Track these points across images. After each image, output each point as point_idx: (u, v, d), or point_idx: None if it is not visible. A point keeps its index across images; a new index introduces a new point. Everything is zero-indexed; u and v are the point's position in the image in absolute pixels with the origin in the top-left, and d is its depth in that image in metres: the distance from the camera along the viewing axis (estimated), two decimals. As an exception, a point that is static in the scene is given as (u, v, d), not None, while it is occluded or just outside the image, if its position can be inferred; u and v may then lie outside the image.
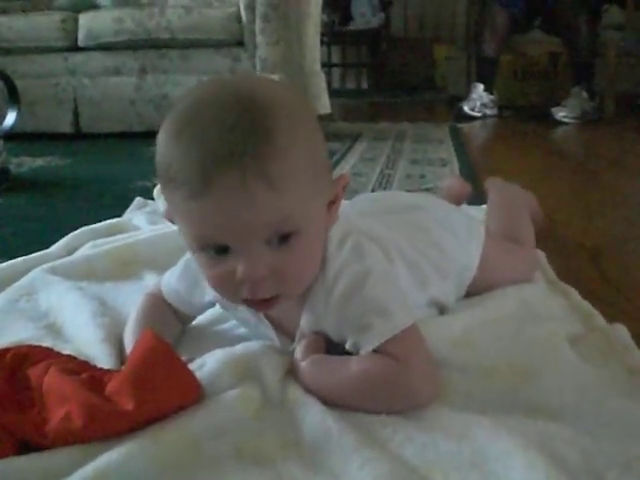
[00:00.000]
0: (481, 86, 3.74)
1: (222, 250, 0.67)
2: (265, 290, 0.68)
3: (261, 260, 0.66)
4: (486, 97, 3.73)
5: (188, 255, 0.83)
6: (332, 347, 0.75)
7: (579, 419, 0.67)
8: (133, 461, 0.59)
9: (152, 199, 1.63)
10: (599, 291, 1.08)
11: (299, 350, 0.75)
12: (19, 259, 1.15)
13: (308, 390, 0.70)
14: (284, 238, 0.66)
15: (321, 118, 2.89)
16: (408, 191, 1.71)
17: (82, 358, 0.76)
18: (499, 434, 0.62)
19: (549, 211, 1.30)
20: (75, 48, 3.11)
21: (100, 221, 1.40)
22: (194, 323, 0.91)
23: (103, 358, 0.79)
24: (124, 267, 1.13)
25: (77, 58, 3.12)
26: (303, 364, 0.73)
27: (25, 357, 0.71)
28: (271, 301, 0.70)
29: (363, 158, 2.51)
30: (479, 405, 0.70)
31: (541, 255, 1.17)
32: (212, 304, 0.86)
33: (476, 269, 0.97)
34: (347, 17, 5.64)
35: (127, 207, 1.62)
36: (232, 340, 0.81)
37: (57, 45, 3.10)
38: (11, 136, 2.33)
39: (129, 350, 0.76)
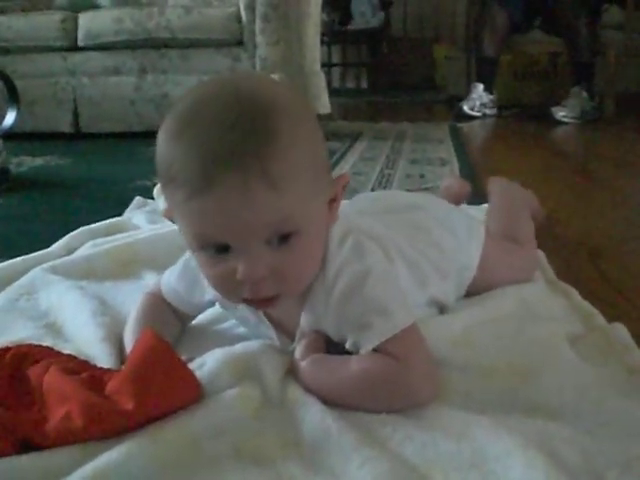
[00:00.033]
0: (481, 86, 3.74)
1: (222, 249, 0.67)
2: (266, 290, 0.68)
3: (261, 260, 0.66)
4: (486, 97, 3.73)
5: (188, 254, 0.83)
6: (332, 346, 0.75)
7: (579, 418, 0.67)
8: (133, 460, 0.59)
9: (152, 198, 1.63)
10: (599, 291, 1.08)
11: (299, 349, 0.75)
12: (19, 258, 1.15)
13: (308, 389, 0.71)
14: (284, 238, 0.66)
15: (321, 117, 2.89)
16: (408, 190, 1.71)
17: (82, 357, 0.76)
18: (499, 433, 0.62)
19: (549, 211, 1.30)
20: (75, 48, 3.11)
21: (100, 220, 1.40)
22: (194, 322, 0.91)
23: (103, 357, 0.79)
24: (124, 266, 1.13)
25: (77, 58, 3.11)
26: (303, 363, 0.73)
27: (25, 356, 0.71)
28: (271, 300, 0.70)
29: (363, 157, 2.51)
30: (479, 404, 0.70)
31: (541, 255, 1.17)
32: (212, 303, 0.86)
33: (476, 269, 0.97)
34: (347, 17, 5.63)
35: (127, 206, 1.62)
36: (232, 339, 0.81)
37: (57, 45, 3.10)
38: (11, 136, 2.33)
39: (129, 349, 0.76)
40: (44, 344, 0.78)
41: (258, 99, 0.65)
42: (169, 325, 0.86)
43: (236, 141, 0.62)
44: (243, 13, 2.90)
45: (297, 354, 0.75)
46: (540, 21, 3.76)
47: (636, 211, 1.76)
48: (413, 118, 3.75)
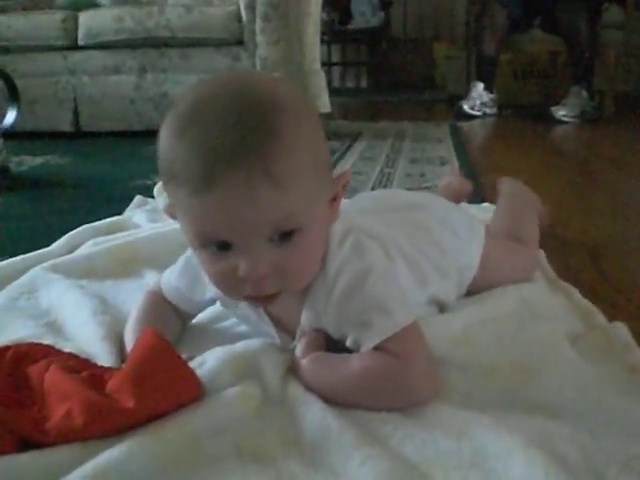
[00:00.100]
0: (481, 85, 3.74)
1: (224, 247, 0.67)
2: (267, 287, 0.69)
3: (263, 258, 0.66)
4: (486, 96, 3.73)
5: (188, 253, 0.83)
6: (332, 344, 0.75)
7: (579, 417, 0.67)
8: (133, 459, 0.59)
9: (152, 197, 1.63)
10: (599, 290, 1.08)
11: (299, 348, 0.75)
12: (19, 257, 1.16)
13: (308, 388, 0.71)
14: (286, 235, 0.66)
15: (321, 117, 2.88)
16: (408, 189, 1.71)
17: (83, 356, 0.76)
18: (499, 432, 0.62)
19: (549, 210, 1.30)
20: (75, 47, 3.10)
21: (100, 219, 1.40)
22: (194, 321, 0.91)
23: (104, 356, 0.79)
24: (124, 265, 1.13)
25: (77, 57, 3.11)
26: (304, 362, 0.73)
27: (26, 355, 0.71)
28: (272, 297, 0.70)
29: (363, 157, 2.51)
30: (479, 403, 0.70)
31: (541, 254, 1.17)
32: (212, 301, 0.86)
33: (477, 268, 0.97)
34: (347, 16, 5.63)
35: (127, 205, 1.62)
36: (232, 338, 0.81)
37: (57, 44, 3.10)
38: (11, 135, 2.33)
39: (130, 348, 0.76)
40: (44, 343, 0.78)
41: (261, 97, 0.65)
42: (170, 324, 0.86)
43: (239, 139, 0.62)
44: (243, 12, 2.90)
45: (298, 352, 0.75)
46: (540, 20, 3.76)
47: (636, 211, 1.76)
48: (413, 117, 3.75)
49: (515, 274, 1.03)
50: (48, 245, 1.25)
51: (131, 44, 3.04)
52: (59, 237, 1.28)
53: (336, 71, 6.07)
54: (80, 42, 3.09)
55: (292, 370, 0.74)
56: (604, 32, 3.68)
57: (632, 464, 0.59)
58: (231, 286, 0.70)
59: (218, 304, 0.86)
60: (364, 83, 6.17)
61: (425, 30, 5.94)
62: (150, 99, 3.05)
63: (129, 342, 0.81)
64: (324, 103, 3.14)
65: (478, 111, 3.72)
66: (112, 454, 0.58)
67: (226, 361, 0.72)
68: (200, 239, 0.68)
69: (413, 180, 2.05)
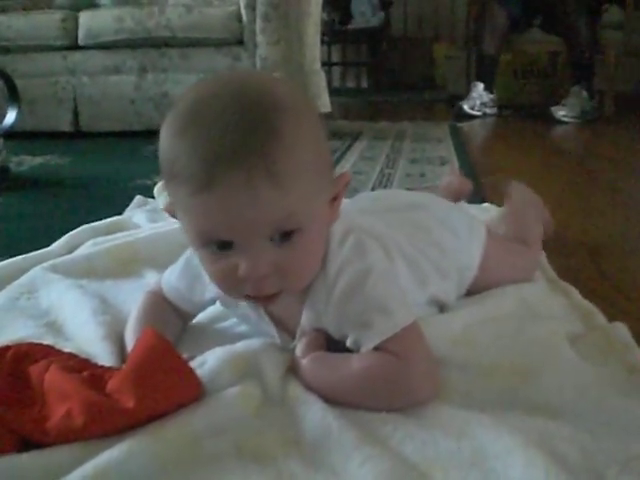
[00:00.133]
0: (481, 85, 3.74)
1: (225, 246, 0.67)
2: (268, 287, 0.69)
3: (264, 257, 0.66)
4: (486, 96, 3.73)
5: (188, 252, 0.83)
6: (333, 344, 0.75)
7: (579, 417, 0.67)
8: (133, 459, 0.59)
9: (152, 197, 1.63)
10: (599, 290, 1.08)
11: (300, 347, 0.75)
12: (19, 257, 1.16)
13: (309, 387, 0.71)
14: (287, 235, 0.66)
15: (321, 117, 2.88)
16: (408, 189, 1.71)
17: (83, 356, 0.76)
18: (499, 432, 0.62)
19: (548, 210, 1.30)
20: (75, 47, 3.11)
21: (100, 219, 1.40)
22: (195, 321, 0.91)
23: (104, 356, 0.79)
24: (124, 265, 1.13)
25: (77, 57, 3.11)
26: (304, 361, 0.73)
27: (26, 355, 0.71)
28: (273, 296, 0.70)
29: (363, 157, 2.51)
30: (479, 403, 0.70)
31: (541, 254, 1.17)
32: (213, 301, 0.86)
33: (477, 268, 0.97)
34: (347, 16, 5.63)
35: (127, 205, 1.62)
36: (232, 338, 0.81)
37: (57, 44, 3.10)
38: (11, 135, 2.33)
39: (130, 348, 0.76)
40: (45, 343, 0.78)
41: (261, 97, 0.65)
42: (170, 324, 0.86)
43: (239, 139, 0.62)
44: (243, 12, 2.90)
45: (298, 352, 0.75)
46: (540, 20, 3.76)
47: (636, 210, 1.76)
48: (413, 117, 3.75)
49: (515, 274, 1.03)
50: (48, 245, 1.25)
51: (131, 44, 3.04)
52: (59, 237, 1.28)
53: (336, 71, 6.07)
54: (80, 42, 3.09)
55: (292, 370, 0.74)
56: (604, 32, 3.68)
57: (632, 464, 0.59)
58: (231, 285, 0.70)
59: (218, 304, 0.86)
60: (364, 83, 6.17)
61: (425, 30, 5.94)
62: (150, 99, 3.05)
63: (129, 342, 0.81)
64: (324, 103, 3.14)
65: (478, 111, 3.72)
66: (112, 454, 0.58)
67: (226, 361, 0.72)
68: (201, 238, 0.68)
69: (413, 180, 2.05)
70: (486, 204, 1.57)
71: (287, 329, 0.79)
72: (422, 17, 5.95)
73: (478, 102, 3.72)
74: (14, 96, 2.38)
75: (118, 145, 2.91)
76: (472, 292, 0.98)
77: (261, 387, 0.70)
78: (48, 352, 0.74)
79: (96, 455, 0.58)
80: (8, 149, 2.13)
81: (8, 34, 3.10)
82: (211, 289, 0.80)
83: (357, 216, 0.86)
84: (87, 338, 0.85)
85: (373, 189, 1.89)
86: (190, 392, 0.67)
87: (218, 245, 0.67)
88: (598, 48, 3.61)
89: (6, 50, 3.08)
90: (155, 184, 1.67)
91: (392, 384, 0.69)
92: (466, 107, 3.73)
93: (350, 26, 5.62)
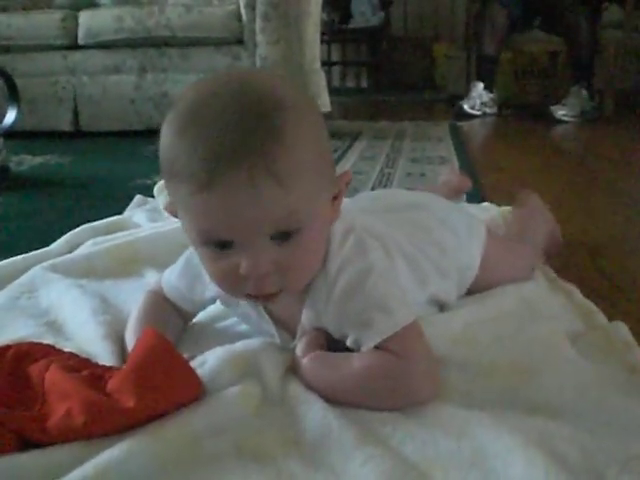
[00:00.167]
0: (481, 85, 3.74)
1: (225, 245, 0.67)
2: (269, 285, 0.69)
3: (265, 256, 0.66)
4: (486, 96, 3.73)
5: (189, 252, 0.83)
6: (333, 343, 0.75)
7: (579, 417, 0.67)
8: (133, 458, 0.59)
9: (152, 197, 1.63)
10: (599, 289, 1.08)
11: (300, 347, 0.75)
12: (19, 257, 1.15)
13: (309, 387, 0.71)
14: (288, 234, 0.66)
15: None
16: (409, 189, 1.71)
17: (83, 355, 0.76)
18: (499, 432, 0.62)
19: (549, 209, 1.30)
20: (75, 46, 3.10)
21: (100, 219, 1.40)
22: (195, 320, 0.91)
23: (104, 356, 0.79)
24: (124, 265, 1.13)
25: (77, 56, 3.11)
26: (304, 361, 0.73)
27: (26, 354, 0.71)
28: (273, 295, 0.70)
29: (363, 156, 2.51)
30: (479, 403, 0.70)
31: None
32: (213, 300, 0.86)
33: (477, 268, 0.97)
34: (347, 16, 5.63)
35: (127, 205, 1.62)
36: (233, 337, 0.81)
37: (57, 43, 3.10)
38: (11, 134, 2.33)
39: (131, 348, 0.76)
40: (45, 342, 0.78)
41: (261, 95, 0.64)
42: (170, 323, 0.86)
43: (240, 138, 0.62)
44: (243, 12, 2.90)
45: (298, 351, 0.75)
46: (540, 20, 3.76)
47: (636, 210, 1.76)
48: (413, 117, 3.75)
49: (515, 273, 1.03)
50: (48, 245, 1.25)
51: (131, 43, 3.04)
52: (59, 237, 1.28)
53: (336, 71, 6.07)
54: (80, 41, 3.09)
55: (292, 369, 0.74)
56: (604, 32, 3.68)
57: (632, 464, 0.59)
58: (232, 284, 0.70)
59: (218, 303, 0.86)
60: (364, 83, 6.16)
61: (425, 30, 5.93)
62: (150, 99, 3.05)
63: (130, 342, 0.81)
64: (324, 102, 3.14)
65: (478, 111, 3.72)
66: (112, 454, 0.58)
67: (226, 360, 0.72)
68: (201, 238, 0.68)
69: (413, 180, 2.05)
70: (486, 203, 1.57)
71: (287, 328, 0.79)
72: (422, 17, 5.95)
73: (478, 102, 3.72)
74: (14, 95, 2.38)
75: (118, 145, 2.91)
76: (472, 291, 0.98)
77: (261, 386, 0.70)
78: (48, 351, 0.74)
79: (96, 455, 0.58)
80: (8, 148, 2.13)
81: (8, 33, 3.10)
82: (211, 288, 0.80)
83: (358, 215, 0.86)
84: (87, 338, 0.85)
85: (373, 189, 1.89)
86: (190, 392, 0.67)
87: (219, 244, 0.67)
88: (598, 47, 3.61)
89: (6, 49, 3.08)
90: (155, 183, 1.67)
91: (392, 383, 0.69)
92: (466, 107, 3.73)
93: (350, 25, 5.62)
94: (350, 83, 6.20)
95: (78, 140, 3.03)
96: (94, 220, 1.39)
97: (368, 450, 0.61)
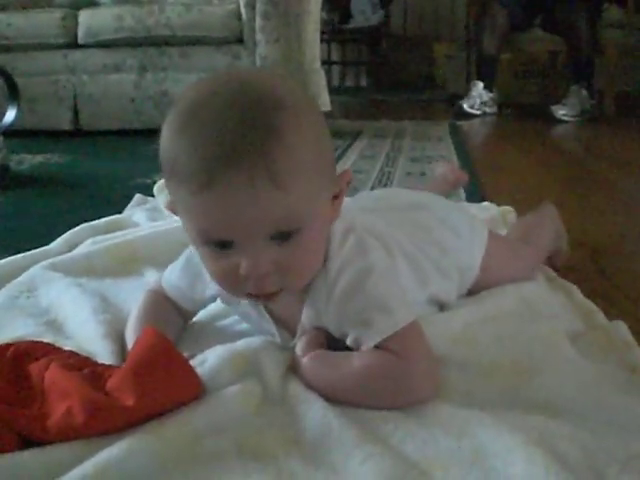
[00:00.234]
0: (481, 84, 3.74)
1: (225, 245, 0.67)
2: (268, 285, 0.68)
3: (264, 256, 0.66)
4: (486, 95, 3.73)
5: (189, 250, 0.83)
6: (333, 343, 0.75)
7: (579, 416, 0.67)
8: (134, 457, 0.59)
9: (152, 196, 1.63)
10: (599, 289, 1.08)
11: (300, 346, 0.75)
12: (19, 255, 1.15)
13: (309, 386, 0.71)
14: (287, 234, 0.66)
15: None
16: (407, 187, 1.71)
17: (83, 354, 0.76)
18: (499, 431, 0.62)
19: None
20: (75, 45, 3.10)
21: (100, 218, 1.40)
22: (195, 319, 0.91)
23: (104, 354, 0.79)
24: (124, 264, 1.13)
25: (77, 55, 3.11)
26: (304, 360, 0.73)
27: (26, 353, 0.71)
28: (273, 294, 0.70)
29: (363, 155, 2.51)
30: (479, 402, 0.70)
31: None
32: (214, 299, 0.86)
33: (478, 269, 0.97)
34: (347, 15, 5.63)
35: (127, 204, 1.62)
36: (233, 336, 0.81)
37: (57, 42, 3.10)
38: (11, 133, 2.33)
39: (131, 347, 0.76)
40: (45, 341, 0.78)
41: (261, 95, 0.64)
42: (171, 322, 0.86)
43: (239, 138, 0.62)
44: (243, 11, 2.90)
45: (298, 350, 0.75)
46: (540, 19, 3.76)
47: (636, 210, 1.76)
48: (413, 116, 3.76)
49: (516, 274, 1.03)
50: (48, 243, 1.25)
51: (131, 42, 3.04)
52: (58, 236, 1.28)
53: (336, 70, 6.07)
54: (80, 40, 3.09)
55: (293, 368, 0.74)
56: (604, 31, 3.68)
57: (633, 463, 0.59)
58: (232, 284, 0.70)
59: (219, 301, 0.86)
60: (364, 82, 6.17)
61: (425, 29, 5.94)
62: (150, 98, 3.04)
63: (130, 341, 0.81)
64: (324, 102, 3.14)
65: (478, 110, 3.73)
66: (112, 452, 0.58)
67: (227, 359, 0.72)
68: (202, 237, 0.68)
69: (413, 179, 2.05)
70: (486, 203, 1.57)
71: (288, 327, 0.79)
72: (422, 16, 5.95)
73: (478, 101, 3.73)
74: (14, 94, 2.37)
75: (118, 144, 2.91)
76: (473, 291, 0.98)
77: (261, 385, 0.70)
78: (48, 350, 0.74)
79: (96, 453, 0.58)
80: (8, 147, 2.13)
81: (8, 32, 3.10)
82: (212, 287, 0.80)
83: (358, 214, 0.86)
84: (87, 336, 0.85)
85: (373, 188, 1.89)
86: (190, 390, 0.67)
87: (219, 244, 0.67)
88: (598, 47, 3.62)
89: (6, 48, 3.08)
90: (155, 183, 1.67)
91: (392, 383, 0.69)
92: (466, 106, 3.73)
93: (350, 25, 5.63)
94: (350, 82, 6.20)
95: (78, 139, 3.04)
96: (94, 219, 1.39)
97: (368, 449, 0.61)
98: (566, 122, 3.49)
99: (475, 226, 1.00)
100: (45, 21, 3.10)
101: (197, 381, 0.68)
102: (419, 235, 0.91)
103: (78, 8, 3.15)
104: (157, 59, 3.05)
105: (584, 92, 3.53)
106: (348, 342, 0.73)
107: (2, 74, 2.39)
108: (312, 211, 0.67)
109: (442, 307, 0.92)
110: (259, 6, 2.84)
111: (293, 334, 0.78)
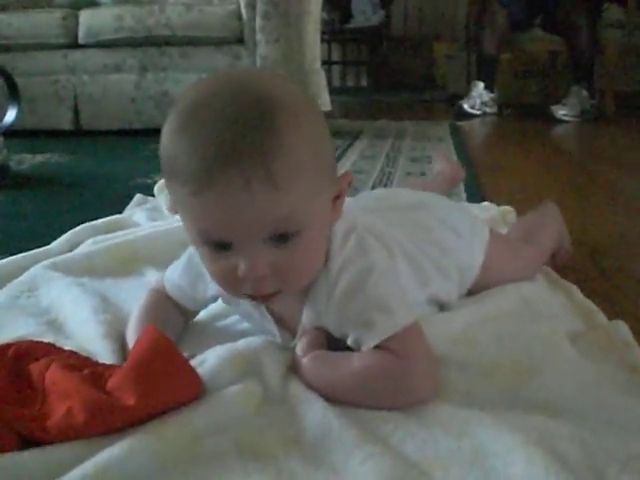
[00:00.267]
0: (481, 84, 3.74)
1: (224, 246, 0.67)
2: (266, 287, 0.68)
3: (261, 258, 0.66)
4: (486, 95, 3.73)
5: (191, 250, 0.83)
6: (333, 343, 0.75)
7: (579, 416, 0.67)
8: (134, 456, 0.59)
9: (152, 196, 1.63)
10: (599, 289, 1.08)
11: (300, 346, 0.75)
12: (20, 255, 1.15)
13: (309, 386, 0.71)
14: (286, 235, 0.66)
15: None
16: (408, 175, 1.71)
17: (83, 354, 0.76)
18: (499, 430, 0.62)
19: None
20: (75, 45, 3.11)
21: (100, 218, 1.40)
22: (196, 319, 0.91)
23: (105, 354, 0.79)
24: (124, 264, 1.13)
25: (77, 55, 3.11)
26: (304, 360, 0.73)
27: (27, 353, 0.71)
28: (272, 295, 0.70)
29: (363, 156, 2.51)
30: (479, 402, 0.70)
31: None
32: (215, 299, 0.86)
33: (478, 269, 0.96)
34: (347, 15, 5.64)
35: (127, 204, 1.62)
36: (234, 336, 0.81)
37: (57, 42, 3.10)
38: (11, 133, 2.33)
39: (131, 346, 0.76)
40: (45, 341, 0.78)
41: (261, 96, 0.64)
42: (172, 322, 0.86)
43: (238, 138, 0.62)
44: (243, 11, 2.90)
45: (299, 350, 0.75)
46: (540, 19, 3.76)
47: (636, 209, 1.76)
48: (413, 116, 3.76)
49: (517, 274, 1.02)
50: (48, 243, 1.25)
51: (131, 43, 3.04)
52: (59, 235, 1.28)
53: (336, 70, 6.07)
54: (80, 41, 3.09)
55: (293, 368, 0.74)
56: (604, 31, 3.68)
57: (633, 463, 0.59)
58: (231, 285, 0.70)
59: (220, 301, 0.86)
60: (364, 82, 6.17)
61: (425, 29, 5.94)
62: (150, 98, 3.05)
63: (131, 340, 0.81)
64: (324, 102, 3.15)
65: (478, 110, 3.73)
66: (113, 452, 0.58)
67: (227, 359, 0.72)
68: (201, 237, 0.68)
69: (413, 178, 2.05)
70: (486, 203, 1.57)
71: (288, 327, 0.79)
72: (423, 16, 5.96)
73: (478, 101, 3.73)
74: (14, 94, 2.38)
75: (118, 143, 2.91)
76: (473, 291, 0.98)
77: (262, 385, 0.70)
78: (49, 350, 0.74)
79: (97, 453, 0.58)
80: (8, 147, 2.13)
81: (8, 32, 3.10)
82: (213, 286, 0.80)
83: (359, 214, 0.86)
84: (88, 336, 0.85)
85: (373, 188, 1.89)
86: (191, 390, 0.67)
87: (217, 245, 0.67)
88: (598, 47, 3.62)
89: (6, 48, 3.08)
90: (155, 183, 1.67)
91: (392, 383, 0.69)
92: (466, 106, 3.73)
93: (350, 25, 5.63)
94: (350, 82, 6.20)
95: (78, 139, 3.04)
96: (94, 219, 1.39)
97: (368, 449, 0.61)
98: (566, 122, 3.49)
99: (476, 226, 1.00)
100: (45, 21, 3.10)
101: (197, 381, 0.68)
102: (419, 235, 0.91)
103: (78, 8, 3.15)
104: (157, 59, 3.05)
105: (584, 92, 3.53)
106: (348, 342, 0.73)
107: (2, 74, 2.39)
108: (311, 213, 0.67)
109: (442, 307, 0.92)
110: (259, 6, 2.84)
111: (294, 334, 0.78)
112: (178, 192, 0.66)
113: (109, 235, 1.27)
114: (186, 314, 0.89)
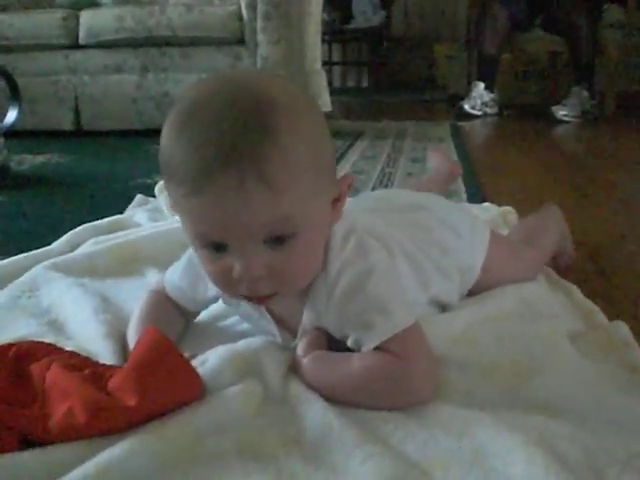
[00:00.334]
0: (482, 85, 3.74)
1: (220, 247, 0.67)
2: (263, 288, 0.69)
3: (257, 260, 0.66)
4: (487, 96, 3.73)
5: (191, 251, 0.83)
6: (334, 343, 0.76)
7: (580, 416, 0.67)
8: (135, 457, 0.59)
9: (153, 196, 1.63)
10: (599, 289, 1.08)
11: (301, 346, 0.75)
12: (21, 256, 1.16)
13: (309, 386, 0.71)
14: (282, 237, 0.66)
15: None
16: (409, 175, 1.71)
17: (84, 354, 0.76)
18: (499, 431, 0.63)
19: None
20: (76, 46, 3.11)
21: (101, 218, 1.40)
22: (197, 319, 0.91)
23: (106, 355, 0.79)
24: (125, 264, 1.13)
25: (78, 56, 3.11)
26: (305, 360, 0.73)
27: (27, 353, 0.71)
28: (268, 297, 0.70)
29: (364, 156, 2.51)
30: (479, 402, 0.70)
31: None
32: (215, 299, 0.86)
33: (479, 270, 0.96)
34: (348, 15, 5.63)
35: (128, 204, 1.62)
36: (234, 336, 0.81)
37: (58, 43, 3.10)
38: (12, 133, 2.33)
39: (132, 347, 0.76)
40: (46, 341, 0.78)
41: (259, 97, 0.64)
42: (172, 322, 0.86)
43: (233, 140, 0.61)
44: (244, 11, 2.90)
45: (299, 351, 0.75)
46: (541, 20, 3.76)
47: (636, 210, 1.76)
48: (414, 117, 3.76)
49: (518, 276, 1.02)
50: (49, 244, 1.25)
51: (132, 43, 3.04)
52: (60, 236, 1.28)
53: (337, 70, 6.07)
54: (81, 41, 3.09)
55: (293, 369, 0.74)
56: (605, 32, 3.68)
57: (633, 462, 0.59)
58: (227, 286, 0.70)
59: (220, 302, 0.87)
60: (365, 82, 6.17)
61: (426, 29, 5.94)
62: (151, 98, 3.05)
63: (132, 341, 0.81)
64: (325, 102, 3.15)
65: (479, 111, 3.73)
66: (113, 452, 0.58)
67: (228, 360, 0.72)
68: (198, 239, 0.68)
69: (413, 179, 2.05)
70: (486, 203, 1.57)
71: (288, 328, 0.79)
72: (423, 17, 5.95)
73: (479, 102, 3.73)
74: (15, 95, 2.38)
75: (119, 144, 2.91)
76: (474, 292, 0.98)
77: (262, 386, 0.70)
78: (49, 350, 0.74)
79: (97, 453, 0.59)
80: (9, 148, 2.13)
81: (9, 33, 3.10)
82: (212, 287, 0.80)
83: (359, 215, 0.86)
84: (88, 337, 0.85)
85: (374, 188, 1.89)
86: (191, 391, 0.67)
87: (214, 246, 0.67)
88: (599, 47, 3.62)
89: (7, 49, 3.08)
90: (156, 183, 1.67)
91: (392, 384, 0.69)
92: (467, 107, 3.73)
93: (351, 25, 5.63)
94: (351, 83, 6.20)
95: (79, 139, 3.04)
96: (95, 219, 1.39)
97: (368, 449, 0.61)
98: (567, 122, 3.49)
99: (476, 226, 1.00)
100: (46, 22, 3.10)
101: (198, 381, 0.68)
102: (419, 235, 0.91)
103: (79, 9, 3.15)
104: (158, 60, 3.05)
105: (585, 93, 3.53)
106: (349, 343, 0.73)
107: (3, 75, 2.39)
108: (308, 214, 0.67)
109: (444, 308, 0.92)
110: (260, 7, 2.84)
111: (294, 335, 0.78)
112: (176, 193, 0.66)
113: (110, 235, 1.27)
114: (186, 315, 0.89)
